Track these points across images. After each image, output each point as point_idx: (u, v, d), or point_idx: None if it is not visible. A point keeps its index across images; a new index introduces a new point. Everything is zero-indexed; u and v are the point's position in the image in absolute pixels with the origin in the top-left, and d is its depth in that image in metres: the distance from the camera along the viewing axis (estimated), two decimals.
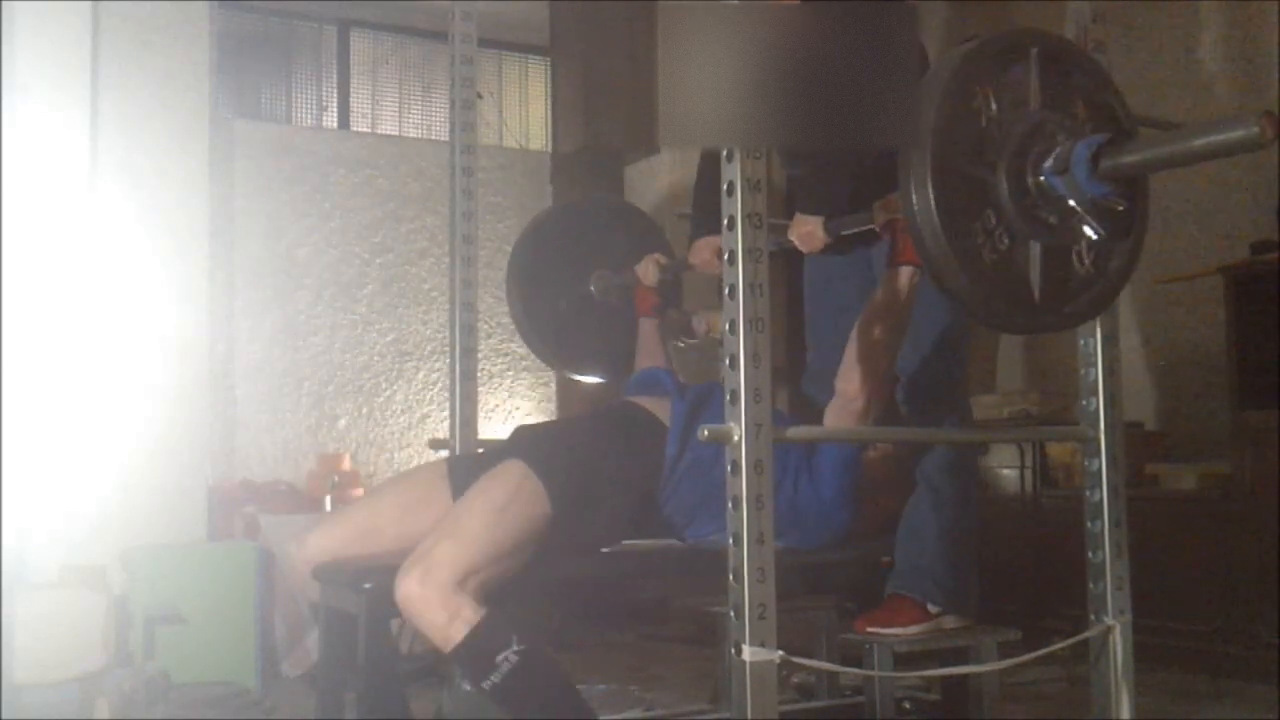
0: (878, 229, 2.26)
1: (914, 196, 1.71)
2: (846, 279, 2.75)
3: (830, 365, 2.79)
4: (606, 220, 3.20)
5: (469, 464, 2.39)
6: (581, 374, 3.17)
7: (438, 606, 1.98)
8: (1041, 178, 1.77)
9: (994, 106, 1.78)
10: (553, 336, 3.10)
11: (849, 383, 2.27)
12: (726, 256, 1.71)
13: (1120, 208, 1.81)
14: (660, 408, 2.39)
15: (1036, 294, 1.79)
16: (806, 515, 2.28)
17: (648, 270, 2.87)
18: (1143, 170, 1.81)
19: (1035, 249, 1.79)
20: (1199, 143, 1.69)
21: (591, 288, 3.08)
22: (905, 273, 2.19)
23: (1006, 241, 1.77)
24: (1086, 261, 1.85)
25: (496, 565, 2.07)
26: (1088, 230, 1.81)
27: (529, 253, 3.09)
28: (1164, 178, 4.73)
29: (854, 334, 2.26)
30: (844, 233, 2.46)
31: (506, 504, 2.10)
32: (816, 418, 2.55)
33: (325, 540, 2.30)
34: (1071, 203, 1.78)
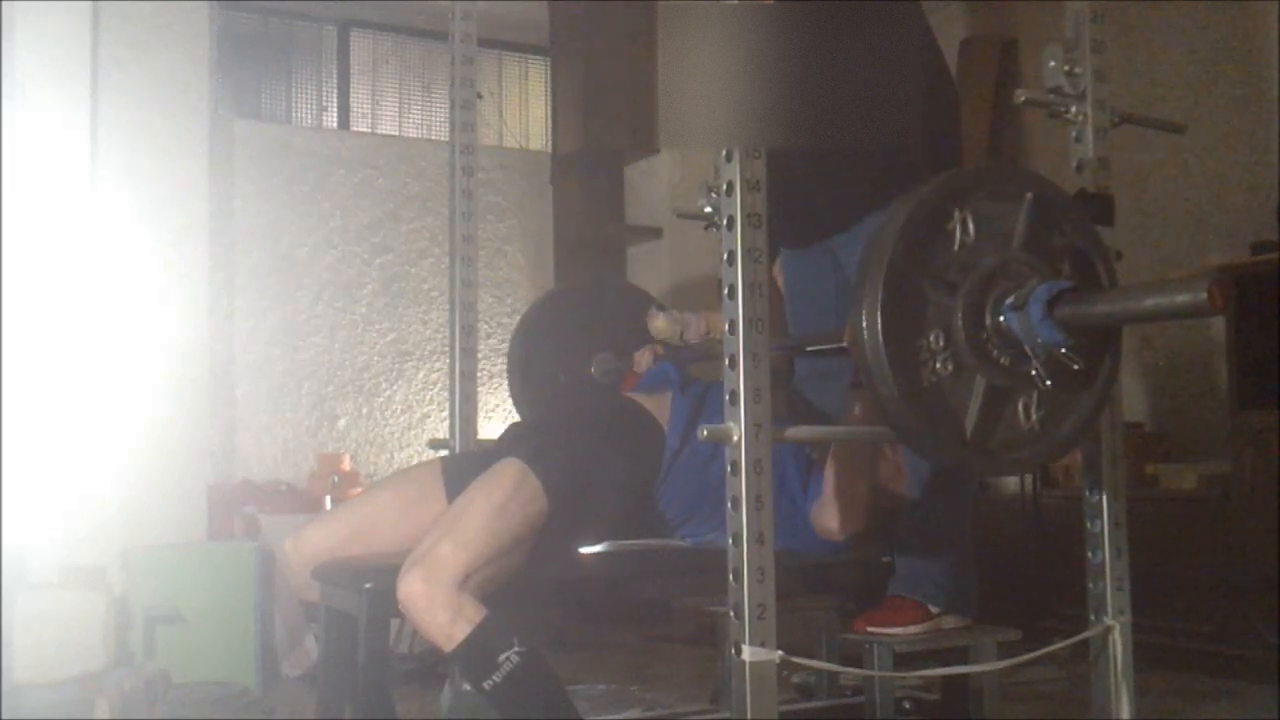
0: (847, 344, 2.26)
1: (864, 293, 1.68)
2: (821, 280, 2.76)
3: (816, 368, 2.81)
4: (610, 303, 3.19)
5: (464, 463, 2.39)
6: None
7: (440, 605, 1.98)
8: (1000, 317, 1.74)
9: (971, 233, 1.76)
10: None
11: (828, 520, 2.26)
12: (726, 257, 1.71)
13: (1075, 366, 1.77)
14: (658, 405, 2.40)
15: (969, 430, 1.74)
16: (804, 528, 2.30)
17: (643, 360, 2.87)
18: (1096, 323, 1.78)
19: (980, 384, 1.74)
20: (1149, 303, 1.69)
21: (593, 370, 3.07)
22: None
23: (950, 368, 1.73)
24: (1033, 417, 1.80)
25: (496, 564, 2.07)
26: (1035, 376, 1.77)
27: (532, 332, 3.07)
28: (1164, 178, 4.75)
29: (829, 463, 2.25)
30: (813, 349, 2.48)
31: (505, 502, 2.10)
32: (815, 417, 2.56)
33: (321, 539, 2.30)
34: (1025, 346, 1.74)
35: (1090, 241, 1.89)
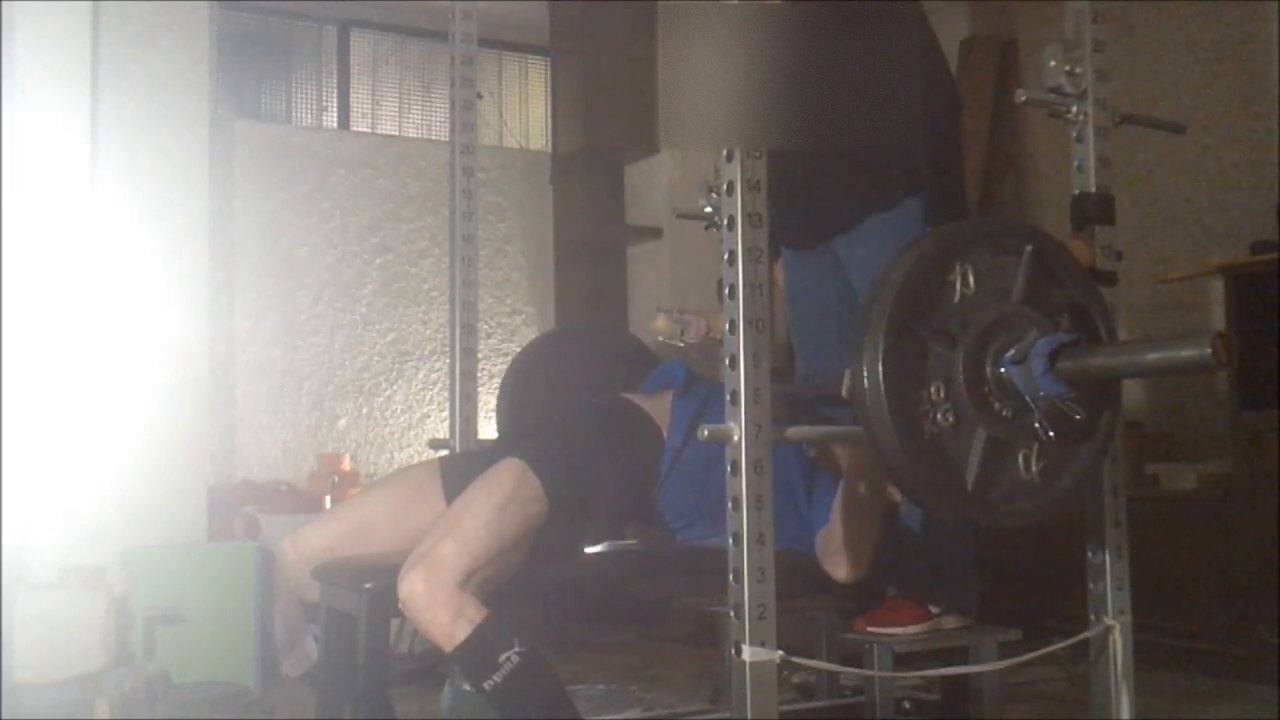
0: (846, 395, 2.27)
1: (865, 346, 1.69)
2: (823, 282, 2.76)
3: (817, 369, 2.81)
4: (600, 344, 3.19)
5: (462, 464, 2.40)
6: None
7: (442, 605, 1.98)
8: (1001, 369, 1.75)
9: (971, 285, 1.77)
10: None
11: (836, 568, 2.29)
12: (726, 257, 1.71)
13: (1077, 416, 1.78)
14: (655, 406, 2.40)
15: (970, 482, 1.74)
16: (808, 529, 2.30)
17: None
18: (1098, 376, 1.79)
19: (980, 436, 1.75)
20: (1152, 357, 1.72)
21: None
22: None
23: (951, 420, 1.74)
24: (1033, 470, 1.80)
25: (496, 563, 2.07)
26: (1037, 428, 1.78)
27: (522, 375, 3.07)
28: (1164, 177, 4.75)
29: (835, 509, 2.25)
30: (810, 395, 2.50)
31: (506, 502, 2.11)
32: (815, 417, 2.56)
33: (318, 539, 2.30)
34: (1026, 398, 1.75)
35: (1088, 295, 1.89)
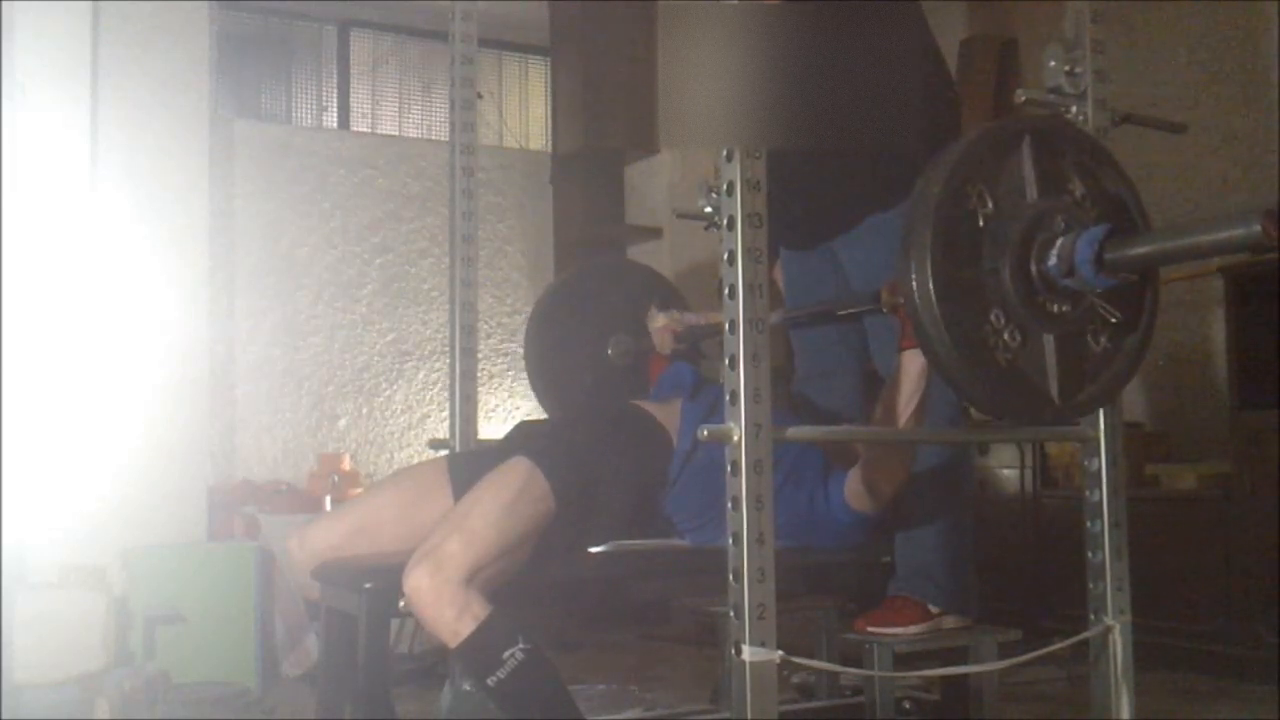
0: (885, 311, 2.25)
1: (920, 311, 1.71)
2: (824, 281, 2.76)
3: (817, 369, 2.81)
4: (624, 284, 3.20)
5: (469, 462, 2.40)
6: None
7: (447, 600, 1.98)
8: (1050, 273, 1.77)
9: (990, 204, 1.77)
10: (571, 400, 3.09)
11: (858, 500, 2.26)
12: (726, 257, 1.71)
13: (1133, 280, 1.82)
14: (664, 412, 2.40)
15: (1054, 389, 1.78)
16: (824, 524, 2.30)
17: (664, 340, 2.87)
18: (1146, 264, 1.81)
19: (1049, 342, 1.79)
20: (1204, 239, 1.71)
21: (609, 351, 3.08)
22: (917, 356, 2.12)
23: (1018, 338, 1.76)
24: (1102, 340, 1.85)
25: (502, 561, 2.07)
26: (1103, 314, 1.81)
27: (546, 318, 3.08)
28: (1164, 177, 4.75)
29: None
30: (845, 311, 2.50)
31: (514, 501, 2.11)
32: (816, 417, 2.56)
33: (324, 536, 2.30)
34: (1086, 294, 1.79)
35: (1096, 157, 1.90)
